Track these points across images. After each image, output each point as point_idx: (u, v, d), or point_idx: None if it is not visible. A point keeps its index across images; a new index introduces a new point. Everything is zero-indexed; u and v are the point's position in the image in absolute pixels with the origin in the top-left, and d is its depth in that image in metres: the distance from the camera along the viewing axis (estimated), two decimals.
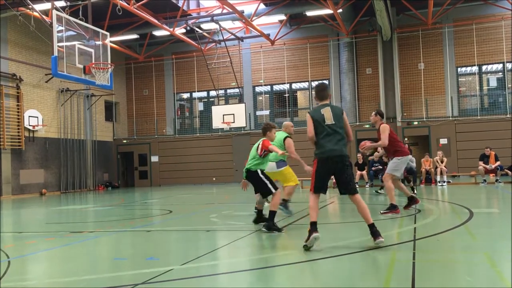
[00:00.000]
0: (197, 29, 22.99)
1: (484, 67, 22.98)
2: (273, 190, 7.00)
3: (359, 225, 7.79)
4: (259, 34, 23.22)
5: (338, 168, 5.63)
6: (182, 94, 27.86)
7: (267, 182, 7.09)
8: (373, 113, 9.30)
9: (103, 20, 19.83)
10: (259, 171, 7.17)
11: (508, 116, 21.40)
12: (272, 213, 6.90)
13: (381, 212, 8.60)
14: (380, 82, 23.21)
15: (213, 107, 23.94)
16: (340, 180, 5.67)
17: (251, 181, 7.27)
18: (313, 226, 5.43)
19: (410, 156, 11.15)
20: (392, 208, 8.51)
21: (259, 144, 7.27)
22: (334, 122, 5.63)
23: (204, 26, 23.64)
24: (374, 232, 5.44)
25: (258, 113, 25.97)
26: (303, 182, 18.95)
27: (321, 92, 5.89)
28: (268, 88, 26.04)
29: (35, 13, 17.15)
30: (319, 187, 5.66)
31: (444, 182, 16.77)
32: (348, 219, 8.56)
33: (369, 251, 5.33)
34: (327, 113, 5.67)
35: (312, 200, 5.62)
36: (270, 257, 5.43)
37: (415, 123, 22.86)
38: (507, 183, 15.94)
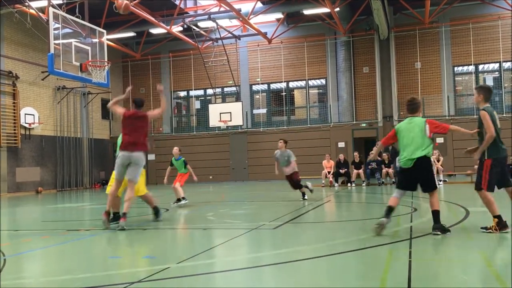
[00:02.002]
0: (194, 27, 22.94)
1: (480, 67, 23.04)
2: (438, 184, 6.33)
3: (356, 224, 7.80)
4: (256, 32, 23.21)
5: (506, 166, 6.17)
6: (179, 92, 27.82)
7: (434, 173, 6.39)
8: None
9: (100, 17, 19.76)
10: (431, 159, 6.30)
11: (504, 115, 21.44)
12: (438, 213, 6.18)
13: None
14: (377, 81, 23.25)
15: (210, 106, 23.94)
16: (505, 176, 6.14)
17: (420, 171, 6.16)
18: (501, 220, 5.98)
19: None
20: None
21: (424, 125, 6.19)
22: (500, 126, 6.14)
23: (201, 24, 23.60)
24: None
25: (255, 111, 25.96)
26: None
27: (490, 94, 6.27)
28: (265, 86, 26.02)
29: (32, 11, 17.08)
30: (494, 185, 6.08)
31: (440, 181, 16.81)
32: (344, 218, 8.57)
33: (365, 250, 5.34)
34: (496, 116, 6.16)
35: (489, 196, 6.05)
36: (266, 256, 5.43)
37: None
38: None
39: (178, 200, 11.25)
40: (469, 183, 16.88)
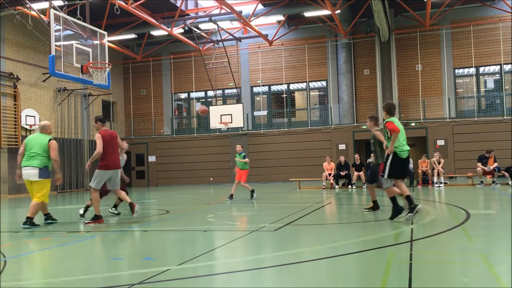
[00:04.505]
0: (195, 29, 22.98)
1: (481, 69, 23.02)
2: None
3: (356, 226, 7.79)
4: (257, 34, 23.23)
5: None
6: (179, 94, 27.84)
7: None
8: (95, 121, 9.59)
9: (101, 19, 19.80)
10: None
11: (505, 118, 21.46)
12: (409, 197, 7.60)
13: (86, 222, 8.87)
14: (377, 83, 23.24)
15: (210, 107, 23.92)
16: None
17: (408, 161, 7.84)
18: None
19: None
20: (96, 218, 8.84)
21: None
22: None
23: (202, 26, 23.63)
24: None
25: (255, 113, 25.96)
26: (300, 183, 18.98)
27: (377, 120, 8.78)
28: (266, 88, 26.03)
29: (33, 12, 17.13)
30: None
31: (441, 183, 16.81)
32: (345, 220, 8.57)
33: (366, 252, 5.34)
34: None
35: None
36: (266, 258, 5.42)
37: (413, 124, 22.90)
38: (504, 184, 15.98)
39: (252, 192, 13.42)
40: (470, 185, 16.87)
